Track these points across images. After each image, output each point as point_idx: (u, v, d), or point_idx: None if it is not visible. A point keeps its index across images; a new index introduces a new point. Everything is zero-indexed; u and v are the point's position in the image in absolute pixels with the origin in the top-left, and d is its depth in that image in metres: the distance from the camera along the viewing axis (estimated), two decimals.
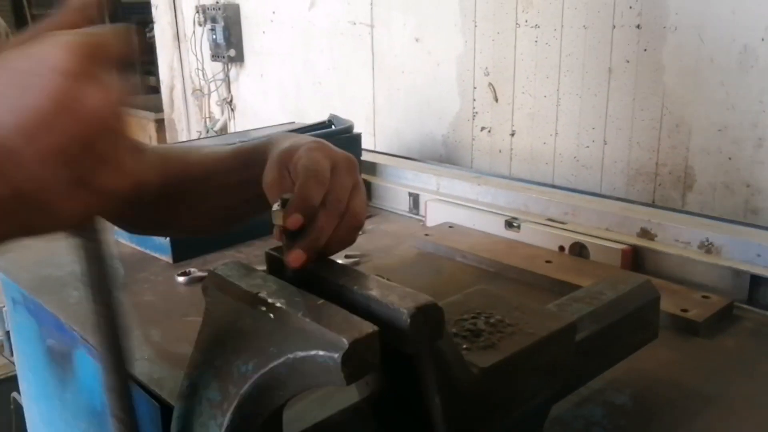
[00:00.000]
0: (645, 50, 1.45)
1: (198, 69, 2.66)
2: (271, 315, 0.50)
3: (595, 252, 1.24)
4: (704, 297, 1.08)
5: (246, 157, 0.79)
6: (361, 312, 0.51)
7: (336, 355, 0.45)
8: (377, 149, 1.98)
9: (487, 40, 1.72)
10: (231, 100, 2.62)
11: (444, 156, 1.88)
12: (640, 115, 1.49)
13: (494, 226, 1.41)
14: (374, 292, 0.54)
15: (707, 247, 1.15)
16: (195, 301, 1.21)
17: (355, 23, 2.05)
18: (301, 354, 0.47)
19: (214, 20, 2.47)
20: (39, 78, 0.39)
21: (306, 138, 0.71)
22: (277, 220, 0.59)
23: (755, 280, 1.09)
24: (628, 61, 1.48)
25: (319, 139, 0.68)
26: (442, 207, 1.52)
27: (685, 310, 1.04)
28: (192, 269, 1.30)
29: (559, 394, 0.74)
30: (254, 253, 1.39)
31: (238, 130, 2.49)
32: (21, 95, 0.39)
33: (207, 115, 2.70)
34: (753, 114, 1.32)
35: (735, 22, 1.31)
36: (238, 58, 2.50)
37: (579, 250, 1.28)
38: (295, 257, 0.58)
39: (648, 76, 1.46)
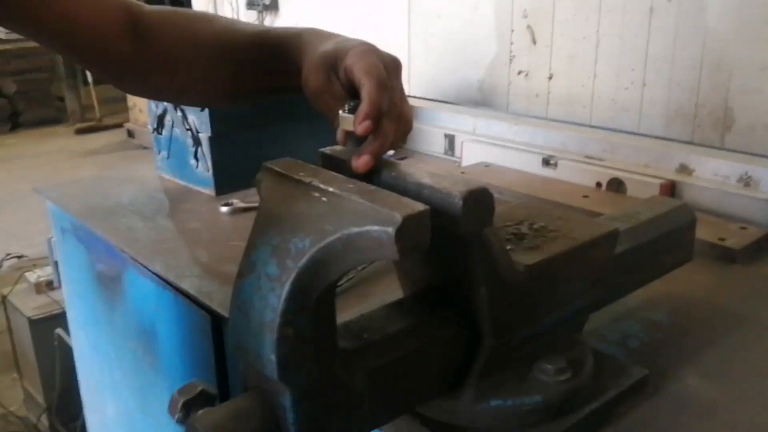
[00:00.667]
0: None
1: (233, 18, 2.67)
2: (324, 199, 0.53)
3: (633, 187, 1.25)
4: (742, 228, 1.09)
5: (271, 46, 0.78)
6: (414, 198, 0.53)
7: (390, 229, 0.47)
8: (412, 95, 1.98)
9: None
10: None
11: (480, 101, 1.88)
12: (681, 55, 1.47)
13: (531, 165, 1.42)
14: (427, 180, 0.56)
15: (746, 181, 1.15)
16: (239, 228, 1.25)
17: None
18: (355, 230, 0.49)
19: None
20: None
21: (349, 39, 0.71)
22: (347, 126, 0.62)
23: None
24: (670, 0, 1.46)
25: (364, 41, 0.69)
26: (478, 147, 1.53)
27: (722, 239, 1.05)
28: (234, 200, 1.34)
29: (598, 303, 0.76)
30: None
31: None
32: None
33: None
34: None
35: None
36: (273, 6, 2.51)
37: (617, 185, 1.28)
38: (365, 162, 0.60)
39: (690, 15, 1.44)
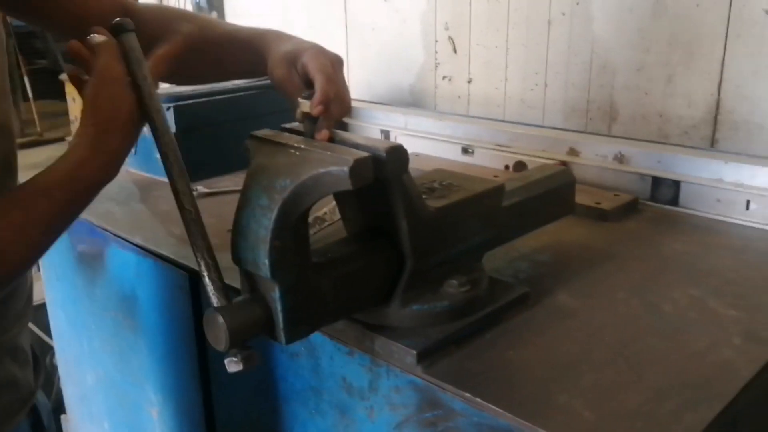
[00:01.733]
0: (578, 3, 1.72)
1: None
2: (298, 153, 0.77)
3: (533, 167, 1.52)
4: (615, 195, 1.37)
5: (242, 42, 1.05)
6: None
7: (346, 168, 0.72)
8: (352, 97, 2.23)
9: None
10: None
11: (411, 102, 2.14)
12: (574, 60, 1.76)
13: (453, 153, 1.69)
14: (362, 141, 0.80)
15: (620, 159, 1.43)
16: (206, 209, 1.45)
17: None
18: (322, 170, 0.73)
19: None
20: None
21: (303, 42, 0.97)
22: (305, 108, 0.85)
23: (656, 181, 1.38)
24: (563, 14, 1.75)
25: (315, 43, 0.94)
26: (409, 140, 1.79)
27: (598, 203, 1.32)
28: (199, 187, 1.55)
29: (493, 241, 1.01)
30: None
31: None
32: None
33: None
34: (664, 55, 1.60)
35: None
36: (219, 17, 2.72)
37: (520, 167, 1.56)
38: (324, 135, 0.83)
39: (580, 26, 1.73)
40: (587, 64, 1.74)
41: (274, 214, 0.73)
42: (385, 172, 0.78)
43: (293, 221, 0.75)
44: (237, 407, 1.19)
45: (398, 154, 0.78)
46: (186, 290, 1.20)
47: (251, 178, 0.77)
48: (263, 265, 0.74)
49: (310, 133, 0.84)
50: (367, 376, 0.91)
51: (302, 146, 0.78)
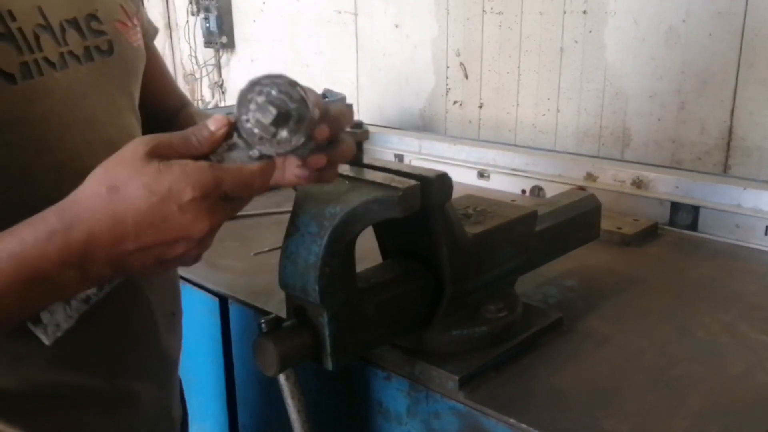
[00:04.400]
0: (590, 32, 1.75)
1: (191, 55, 2.90)
2: (347, 181, 0.78)
3: (550, 192, 1.54)
4: (635, 220, 1.39)
5: None
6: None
7: (396, 196, 0.73)
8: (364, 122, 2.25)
9: (458, 25, 2.01)
10: (222, 84, 2.86)
11: (421, 127, 2.16)
12: (587, 87, 1.79)
13: (468, 177, 1.70)
14: (407, 169, 0.82)
15: (638, 183, 1.45)
16: (228, 233, 1.46)
17: (340, 12, 2.32)
18: (371, 198, 0.74)
19: (207, 10, 2.71)
20: (169, 211, 0.57)
21: None
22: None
23: (674, 206, 1.40)
24: (576, 42, 1.78)
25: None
26: (423, 164, 1.80)
27: (620, 228, 1.34)
28: None
29: (526, 266, 1.03)
30: (271, 200, 1.64)
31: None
32: (158, 223, 0.57)
33: (199, 98, 2.93)
34: (676, 82, 1.64)
35: (662, 7, 1.62)
36: (230, 45, 2.75)
37: (537, 191, 1.57)
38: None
39: (593, 54, 1.76)
40: (600, 91, 1.77)
41: (324, 241, 0.74)
42: (431, 199, 0.79)
43: (342, 248, 0.76)
44: None
45: (445, 182, 0.80)
46: (216, 315, 1.21)
47: (299, 206, 0.78)
48: (313, 291, 0.75)
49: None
50: (406, 401, 0.91)
51: (351, 174, 0.79)
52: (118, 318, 0.80)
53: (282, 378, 0.79)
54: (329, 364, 0.78)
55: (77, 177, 0.60)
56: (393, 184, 0.76)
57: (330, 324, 0.76)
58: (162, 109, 1.02)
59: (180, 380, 1.02)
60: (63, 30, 0.74)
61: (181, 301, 0.98)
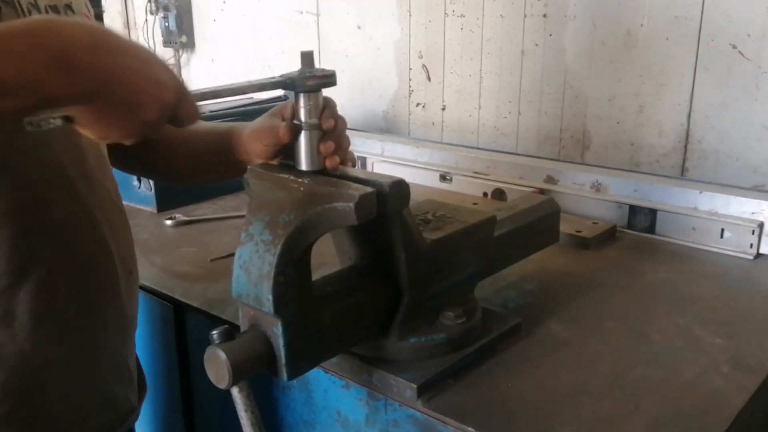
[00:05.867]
0: (550, 35, 1.76)
1: None
2: (302, 189, 0.77)
3: (511, 195, 1.54)
4: (594, 223, 1.40)
5: (219, 135, 1.03)
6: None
7: (351, 204, 0.72)
8: None
9: (421, 28, 2.00)
10: None
11: (385, 129, 2.15)
12: (547, 90, 1.80)
13: (430, 180, 1.70)
14: (363, 175, 0.80)
15: (597, 187, 1.46)
16: (185, 237, 1.44)
17: (302, 12, 2.30)
18: (327, 206, 0.73)
19: (166, 9, 2.66)
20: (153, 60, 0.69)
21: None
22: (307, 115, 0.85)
23: (632, 209, 1.41)
24: (536, 45, 1.79)
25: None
26: (386, 167, 1.79)
27: (579, 231, 1.35)
28: (177, 215, 1.53)
29: (485, 271, 1.02)
30: (228, 204, 1.62)
31: None
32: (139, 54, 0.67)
33: None
34: (635, 86, 1.65)
35: (620, 11, 1.64)
36: (190, 44, 2.70)
37: (499, 194, 1.57)
38: (330, 146, 0.84)
39: (553, 57, 1.77)
40: (560, 94, 1.78)
41: (278, 250, 0.73)
42: (387, 206, 0.78)
43: (297, 256, 0.74)
44: None
45: (401, 188, 0.79)
46: (170, 322, 1.18)
47: (253, 213, 0.77)
48: (266, 301, 0.74)
49: (309, 145, 0.83)
50: (364, 409, 0.90)
51: (305, 181, 0.78)
52: (86, 267, 0.85)
53: (235, 390, 0.78)
54: (284, 376, 0.77)
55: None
56: (349, 191, 0.74)
57: (285, 334, 0.75)
58: None
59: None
60: (47, 12, 0.83)
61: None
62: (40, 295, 0.79)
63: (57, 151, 0.82)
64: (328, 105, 0.87)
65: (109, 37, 0.65)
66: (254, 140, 0.92)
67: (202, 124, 1.08)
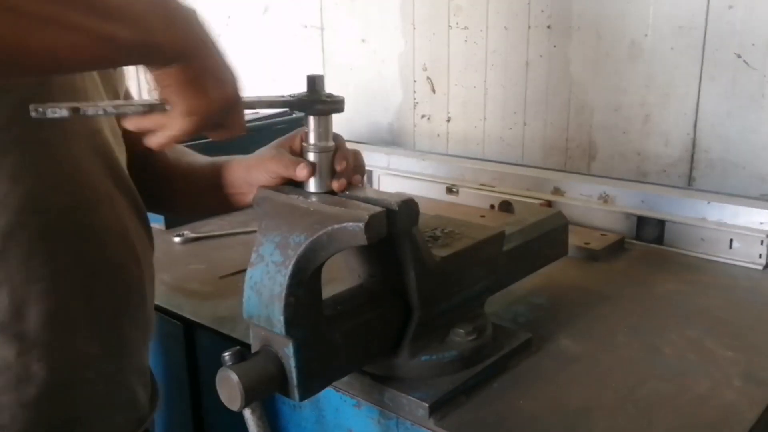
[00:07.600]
0: (555, 46, 1.76)
1: None
2: (312, 209, 0.77)
3: (519, 207, 1.54)
4: (602, 234, 1.40)
5: (217, 168, 1.01)
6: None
7: (361, 224, 0.72)
8: None
9: (425, 40, 2.01)
10: None
11: (390, 141, 2.16)
12: (552, 100, 1.80)
13: (437, 193, 1.70)
14: (372, 194, 0.81)
15: (604, 198, 1.46)
16: (194, 254, 1.45)
17: (306, 26, 2.31)
18: (337, 226, 0.73)
19: None
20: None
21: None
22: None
23: (641, 220, 1.41)
24: (541, 56, 1.79)
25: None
26: (392, 180, 1.80)
27: (587, 243, 1.35)
28: (185, 231, 1.53)
29: (495, 286, 1.02)
30: (236, 219, 1.63)
31: None
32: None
33: None
34: (640, 95, 1.65)
35: (624, 22, 1.64)
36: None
37: (506, 206, 1.58)
38: (342, 184, 0.84)
39: (558, 68, 1.78)
40: (565, 105, 1.78)
41: (289, 271, 0.73)
42: (397, 226, 0.78)
43: (308, 277, 0.75)
44: None
45: (410, 207, 0.79)
46: (180, 341, 1.18)
47: (263, 234, 0.77)
48: (278, 322, 0.74)
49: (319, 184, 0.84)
50: (376, 428, 0.90)
51: (315, 201, 0.78)
52: (119, 271, 0.87)
53: (247, 412, 0.78)
54: (296, 397, 0.77)
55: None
56: (358, 211, 0.75)
57: (296, 355, 0.75)
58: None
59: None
60: None
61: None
62: (80, 295, 0.82)
63: (98, 161, 0.85)
64: (341, 147, 0.86)
65: (203, 21, 0.71)
66: (259, 171, 0.91)
67: (198, 157, 1.09)
